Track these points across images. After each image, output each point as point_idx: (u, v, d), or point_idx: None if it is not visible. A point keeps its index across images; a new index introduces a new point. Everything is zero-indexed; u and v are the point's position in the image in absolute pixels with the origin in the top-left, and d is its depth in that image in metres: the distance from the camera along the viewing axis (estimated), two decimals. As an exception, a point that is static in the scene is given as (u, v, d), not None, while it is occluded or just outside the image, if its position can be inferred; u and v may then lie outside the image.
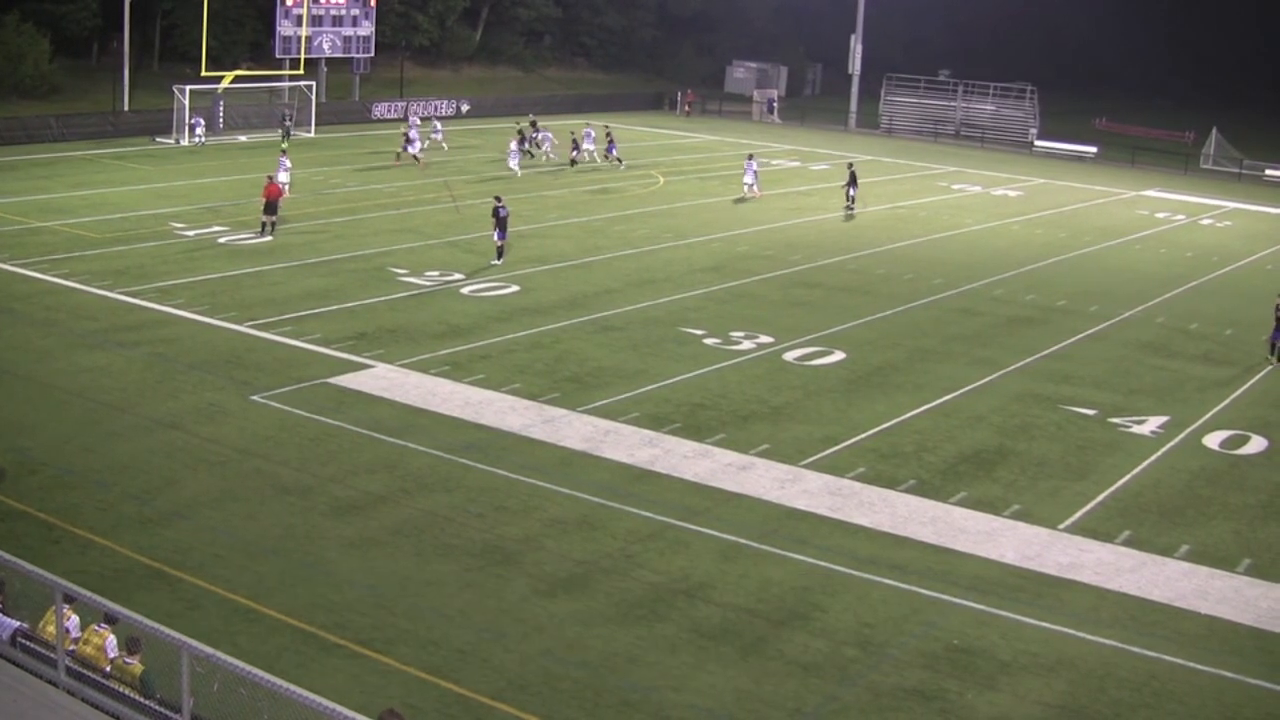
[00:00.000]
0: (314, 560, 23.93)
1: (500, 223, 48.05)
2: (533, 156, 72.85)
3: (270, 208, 50.48)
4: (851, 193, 64.59)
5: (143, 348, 35.79)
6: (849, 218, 62.92)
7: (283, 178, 55.41)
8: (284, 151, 61.32)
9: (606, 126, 79.18)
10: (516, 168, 69.51)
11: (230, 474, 27.68)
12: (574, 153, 74.44)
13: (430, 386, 33.85)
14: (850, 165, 67.57)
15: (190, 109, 74.07)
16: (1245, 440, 34.00)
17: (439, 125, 79.25)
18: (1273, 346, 41.70)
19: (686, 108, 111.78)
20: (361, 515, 25.99)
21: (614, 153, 74.33)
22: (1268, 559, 26.60)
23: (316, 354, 36.01)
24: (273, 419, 31.03)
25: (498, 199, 49.01)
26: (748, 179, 66.38)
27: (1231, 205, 78.19)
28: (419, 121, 77.90)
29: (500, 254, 48.17)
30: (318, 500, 26.56)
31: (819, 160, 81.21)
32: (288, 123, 75.63)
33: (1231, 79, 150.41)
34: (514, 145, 70.95)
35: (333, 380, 33.86)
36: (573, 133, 76.48)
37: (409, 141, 69.81)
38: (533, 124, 78.04)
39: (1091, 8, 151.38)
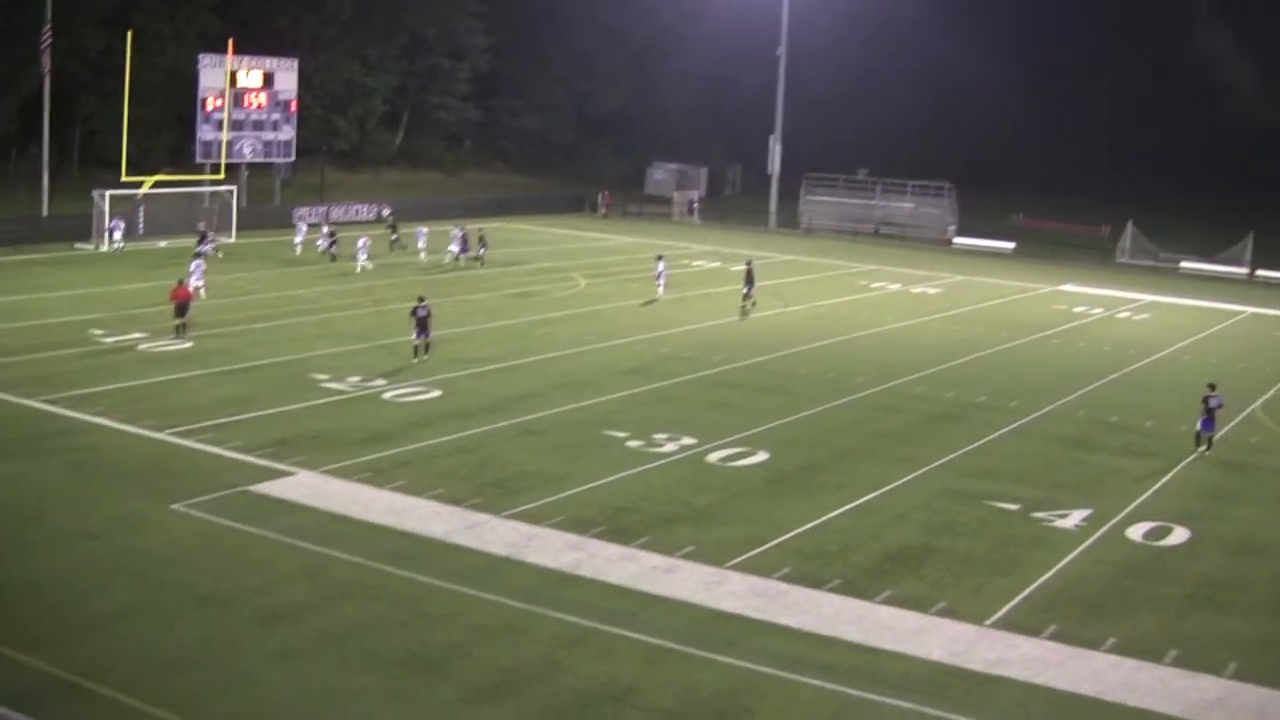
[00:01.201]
0: (237, 672, 23.56)
1: (420, 323, 48.36)
2: (333, 259, 73.19)
3: (181, 310, 50.43)
4: (747, 290, 65.17)
5: (61, 456, 35.38)
6: (745, 315, 63.32)
7: (195, 282, 55.20)
8: (197, 255, 61.10)
9: (480, 229, 79.04)
10: (367, 262, 70.48)
11: (150, 585, 27.29)
12: (479, 250, 75.74)
13: (353, 493, 33.60)
14: (748, 263, 68.16)
15: (110, 214, 73.73)
16: (1168, 531, 34.24)
17: (304, 227, 78.68)
18: (1198, 437, 42.22)
19: (604, 209, 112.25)
20: (284, 625, 25.68)
21: (467, 251, 75.06)
22: (1194, 650, 26.72)
23: (237, 461, 35.69)
24: (193, 528, 30.67)
25: (420, 299, 49.29)
26: (659, 280, 66.96)
27: (1148, 298, 79.27)
28: (305, 227, 77.77)
29: (421, 351, 48.73)
30: (240, 610, 26.22)
31: (740, 261, 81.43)
32: (205, 230, 74.16)
33: (1146, 173, 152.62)
34: (361, 242, 71.83)
35: (254, 488, 33.54)
36: (479, 233, 77.27)
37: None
38: (391, 225, 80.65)
39: (1008, 106, 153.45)
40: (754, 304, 64.55)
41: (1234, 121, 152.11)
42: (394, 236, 78.13)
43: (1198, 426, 42.46)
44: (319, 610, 26.45)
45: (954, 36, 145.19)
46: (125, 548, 29.21)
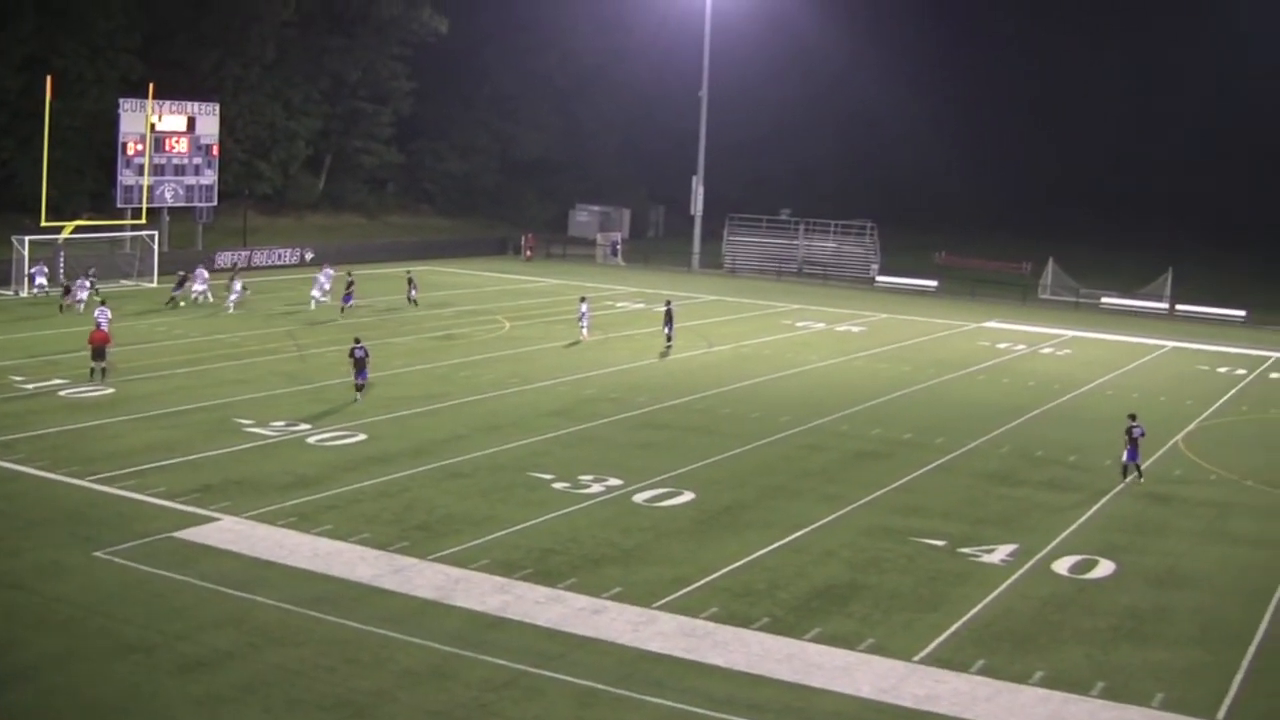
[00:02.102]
0: (160, 720, 23.35)
1: (357, 363, 48.87)
2: (177, 305, 72.06)
3: (99, 354, 50.27)
4: (668, 330, 65.78)
5: (-20, 506, 35.00)
6: (664, 356, 63.50)
7: (105, 328, 54.44)
8: (102, 302, 60.38)
9: (349, 272, 78.34)
10: (232, 306, 70.97)
11: (73, 633, 26.96)
12: (410, 293, 75.98)
13: (278, 538, 33.34)
14: (668, 303, 68.66)
15: (30, 259, 73.04)
16: (1093, 564, 34.45)
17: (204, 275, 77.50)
18: (1125, 469, 42.69)
19: (528, 252, 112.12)
20: (209, 672, 25.41)
21: (349, 302, 72.54)
22: (1120, 681, 26.91)
23: (161, 508, 35.34)
24: (117, 575, 30.34)
25: (356, 340, 49.83)
26: (583, 321, 67.16)
27: (1070, 334, 79.93)
28: (206, 274, 76.19)
29: (359, 390, 49.24)
30: (164, 658, 25.94)
31: (663, 302, 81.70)
32: (69, 284, 72.16)
33: (1065, 210, 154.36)
34: (238, 285, 72.24)
35: (178, 534, 33.22)
36: (406, 279, 77.11)
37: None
38: (234, 265, 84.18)
39: (929, 145, 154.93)
40: (671, 345, 64.93)
41: (1153, 158, 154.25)
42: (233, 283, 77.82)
43: (1123, 458, 42.89)
44: (244, 657, 26.20)
45: (875, 77, 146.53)
46: (48, 596, 28.86)
